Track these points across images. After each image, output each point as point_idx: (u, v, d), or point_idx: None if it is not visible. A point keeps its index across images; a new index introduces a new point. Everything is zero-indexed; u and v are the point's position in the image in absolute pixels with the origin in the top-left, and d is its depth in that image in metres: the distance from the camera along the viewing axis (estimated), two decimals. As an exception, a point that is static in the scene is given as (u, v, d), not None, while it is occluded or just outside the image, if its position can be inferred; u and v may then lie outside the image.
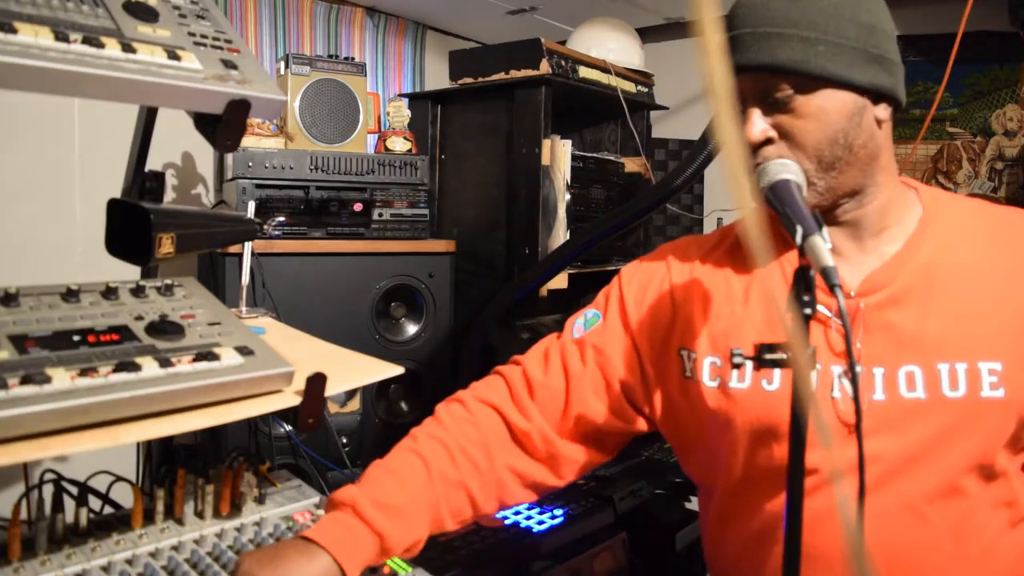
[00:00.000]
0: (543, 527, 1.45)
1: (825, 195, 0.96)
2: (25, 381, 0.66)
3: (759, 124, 0.94)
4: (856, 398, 0.79)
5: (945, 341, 0.93)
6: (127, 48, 0.76)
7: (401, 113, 2.27)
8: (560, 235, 2.12)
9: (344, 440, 2.01)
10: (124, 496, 0.97)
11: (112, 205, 0.96)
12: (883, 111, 0.95)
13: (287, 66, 2.00)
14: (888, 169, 0.99)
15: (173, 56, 0.79)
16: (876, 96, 0.94)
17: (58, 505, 0.86)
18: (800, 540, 0.77)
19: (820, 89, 0.91)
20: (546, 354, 1.18)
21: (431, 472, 1.02)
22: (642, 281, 1.14)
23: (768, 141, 0.94)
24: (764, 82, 0.93)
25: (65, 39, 0.71)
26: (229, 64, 0.85)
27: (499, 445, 1.10)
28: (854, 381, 0.80)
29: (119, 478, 1.00)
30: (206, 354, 0.78)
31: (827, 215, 0.98)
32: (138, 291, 0.88)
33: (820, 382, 0.96)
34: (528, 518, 1.49)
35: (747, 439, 1.00)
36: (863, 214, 0.99)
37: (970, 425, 0.92)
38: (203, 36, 0.87)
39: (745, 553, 1.04)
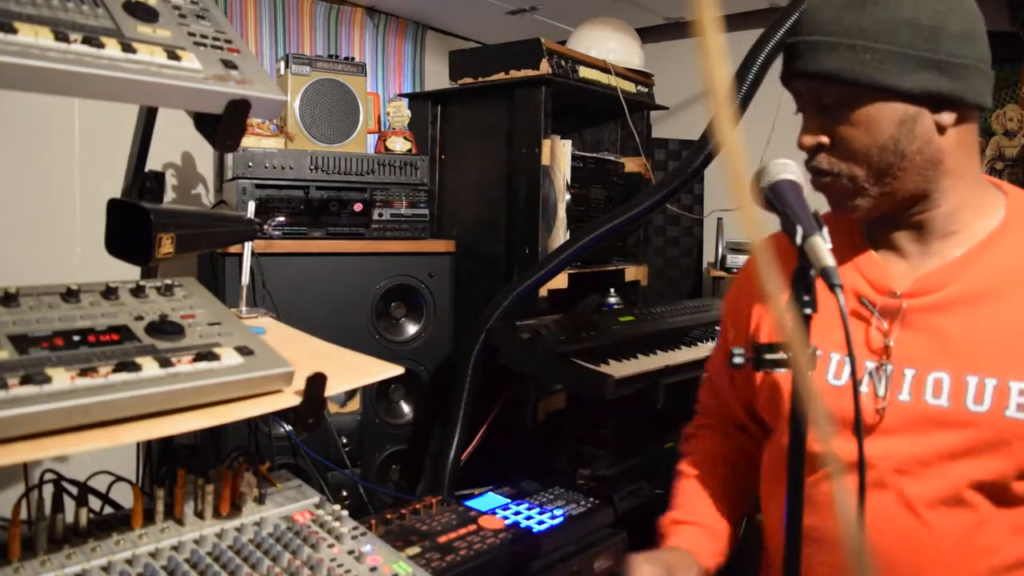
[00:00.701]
0: (543, 527, 1.45)
1: (879, 201, 0.96)
2: (25, 381, 0.66)
3: (810, 131, 0.96)
4: (855, 395, 0.79)
5: (981, 354, 0.92)
6: (127, 48, 0.76)
7: (401, 113, 2.27)
8: (560, 235, 2.12)
9: (344, 440, 2.02)
10: (124, 496, 0.97)
11: (112, 205, 0.96)
12: (947, 117, 0.92)
13: (287, 66, 2.00)
14: (958, 173, 0.95)
15: (173, 56, 0.79)
16: (935, 102, 0.91)
17: (58, 505, 0.86)
18: (800, 539, 0.77)
19: (868, 96, 0.91)
20: (704, 392, 1.39)
21: (715, 490, 1.22)
22: (732, 295, 1.24)
23: (820, 147, 0.96)
24: (816, 89, 0.94)
25: (65, 39, 0.71)
26: (229, 64, 0.85)
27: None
28: (854, 378, 0.80)
29: (119, 478, 1.00)
30: (206, 354, 0.78)
31: (893, 218, 0.99)
32: (138, 291, 0.88)
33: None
34: (528, 518, 1.49)
35: (783, 423, 1.04)
36: (929, 218, 0.97)
37: (987, 442, 0.90)
38: (203, 36, 0.87)
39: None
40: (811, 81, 0.94)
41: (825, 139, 0.95)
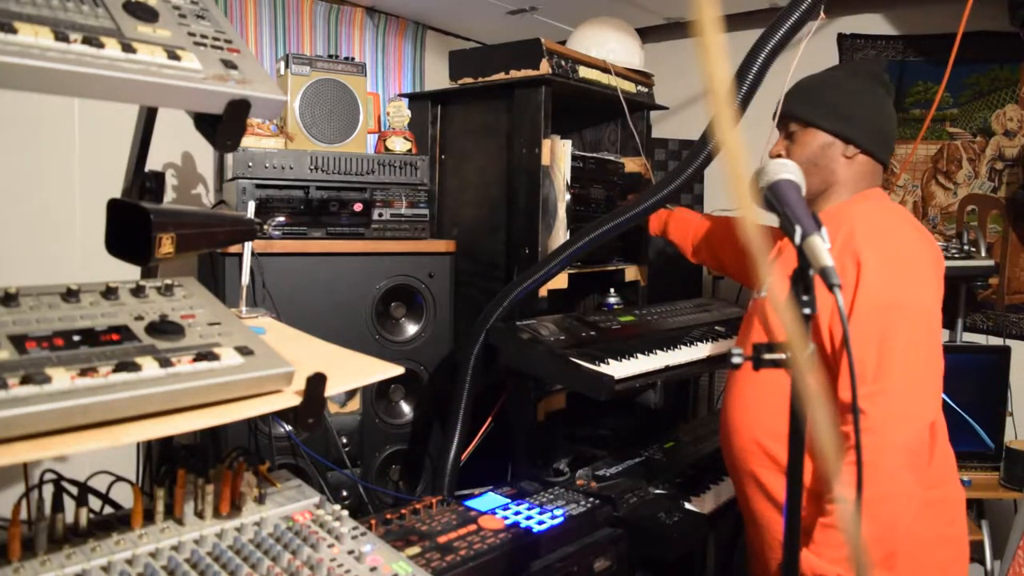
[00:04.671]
0: (543, 527, 1.45)
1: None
2: (25, 381, 0.66)
3: (777, 146, 1.59)
4: (854, 397, 0.79)
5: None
6: (127, 48, 0.76)
7: (401, 113, 2.27)
8: (560, 235, 2.12)
9: (344, 440, 2.02)
10: (124, 496, 0.97)
11: (112, 205, 0.97)
12: (851, 151, 1.51)
13: (287, 66, 2.00)
14: (850, 189, 1.53)
15: (173, 56, 0.79)
16: (845, 140, 1.51)
17: (58, 505, 0.86)
18: (799, 538, 0.77)
19: (809, 129, 1.53)
20: None
21: None
22: None
23: (779, 156, 1.53)
24: (785, 122, 1.58)
25: (65, 39, 0.71)
26: (229, 64, 0.85)
27: None
28: (852, 379, 0.80)
29: (119, 478, 1.00)
30: (206, 354, 0.78)
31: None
32: (138, 291, 0.88)
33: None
34: (528, 518, 1.49)
35: None
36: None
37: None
38: (203, 36, 0.87)
39: None
40: (784, 118, 1.58)
41: (784, 152, 1.56)
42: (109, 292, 0.85)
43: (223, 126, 0.83)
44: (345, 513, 1.01)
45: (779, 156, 1.52)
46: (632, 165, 2.54)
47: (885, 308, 1.29)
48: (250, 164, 1.89)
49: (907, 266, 1.35)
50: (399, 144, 2.23)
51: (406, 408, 2.18)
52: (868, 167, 1.53)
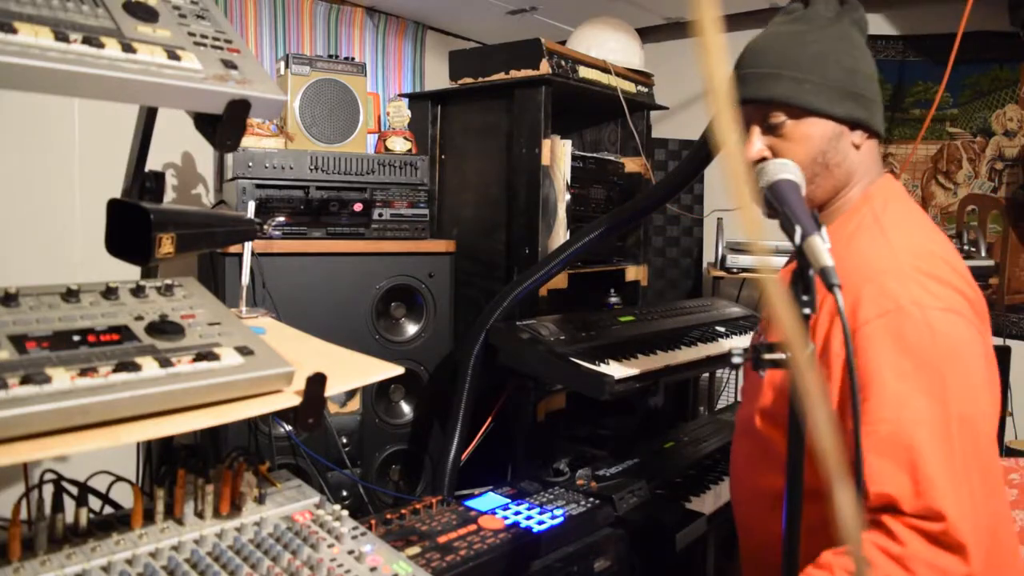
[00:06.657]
0: (543, 527, 1.45)
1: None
2: (25, 381, 0.66)
3: (757, 144, 1.14)
4: (854, 394, 0.79)
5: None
6: (127, 48, 0.76)
7: (401, 113, 2.27)
8: (560, 235, 2.12)
9: (344, 440, 2.02)
10: (124, 496, 0.97)
11: (112, 205, 0.96)
12: (859, 137, 1.15)
13: (287, 66, 2.00)
14: (858, 183, 1.17)
15: (173, 56, 0.79)
16: (852, 125, 1.13)
17: (58, 505, 0.86)
18: (799, 539, 0.77)
19: (806, 118, 1.11)
20: None
21: None
22: None
23: (763, 159, 1.12)
24: (762, 111, 1.14)
25: (65, 39, 0.71)
26: (229, 64, 0.85)
27: None
28: (852, 381, 0.80)
29: (119, 478, 1.00)
30: (206, 354, 0.78)
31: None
32: (138, 291, 0.88)
33: None
34: (528, 518, 1.49)
35: None
36: (831, 219, 1.17)
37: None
38: (203, 36, 0.87)
39: None
40: (760, 105, 1.13)
41: (769, 152, 1.14)
42: (109, 292, 0.85)
43: (223, 126, 0.83)
44: (345, 513, 1.01)
45: (763, 160, 1.11)
46: (632, 165, 2.54)
47: (914, 424, 0.94)
48: (250, 164, 1.89)
49: (943, 358, 0.99)
50: (399, 144, 2.23)
51: (406, 408, 2.18)
52: (875, 150, 1.18)
